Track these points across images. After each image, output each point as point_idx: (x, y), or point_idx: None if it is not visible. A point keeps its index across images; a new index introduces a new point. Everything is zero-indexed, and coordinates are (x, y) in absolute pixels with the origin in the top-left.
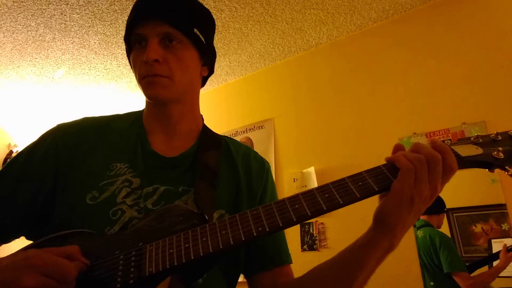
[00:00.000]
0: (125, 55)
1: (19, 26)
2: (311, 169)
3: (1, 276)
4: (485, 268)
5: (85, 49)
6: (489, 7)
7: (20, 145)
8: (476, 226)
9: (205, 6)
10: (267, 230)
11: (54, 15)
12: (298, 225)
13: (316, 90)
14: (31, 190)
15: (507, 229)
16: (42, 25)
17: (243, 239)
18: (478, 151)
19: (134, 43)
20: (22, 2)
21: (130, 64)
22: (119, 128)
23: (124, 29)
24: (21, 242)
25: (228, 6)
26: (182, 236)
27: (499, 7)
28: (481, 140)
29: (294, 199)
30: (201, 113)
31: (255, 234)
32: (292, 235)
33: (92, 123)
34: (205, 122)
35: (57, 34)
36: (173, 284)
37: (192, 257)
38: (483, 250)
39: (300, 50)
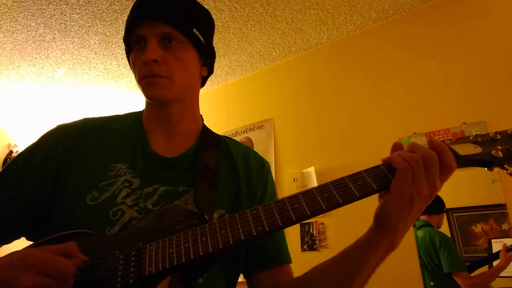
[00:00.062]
0: (125, 55)
1: (19, 26)
2: (311, 169)
3: None
4: (485, 268)
5: (85, 49)
6: (489, 7)
7: (20, 145)
8: (476, 226)
9: (205, 6)
10: (267, 229)
11: (54, 15)
12: (298, 225)
13: (316, 90)
14: (31, 191)
15: (507, 229)
16: (42, 25)
17: (242, 238)
18: (477, 150)
19: (134, 44)
20: (22, 2)
21: (130, 65)
22: (119, 128)
23: (124, 29)
24: (22, 242)
25: (228, 6)
26: (182, 236)
27: (499, 7)
28: (480, 139)
29: (293, 198)
30: (201, 113)
31: (254, 234)
32: (292, 235)
33: (92, 123)
34: (205, 122)
35: (57, 34)
36: (173, 284)
37: (192, 257)
38: (483, 250)
39: (300, 50)
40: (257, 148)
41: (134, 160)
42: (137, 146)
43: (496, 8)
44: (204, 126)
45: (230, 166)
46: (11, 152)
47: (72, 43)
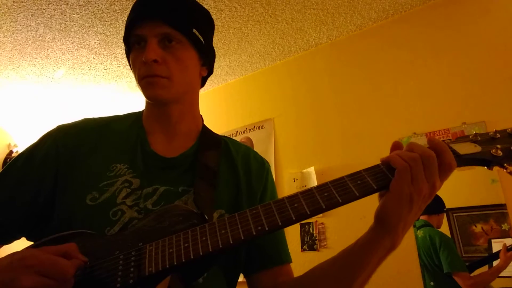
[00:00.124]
0: (125, 55)
1: (19, 26)
2: (311, 169)
3: None
4: (485, 268)
5: (85, 49)
6: (489, 7)
7: (20, 145)
8: (476, 226)
9: (205, 6)
10: (267, 229)
11: (54, 15)
12: (298, 225)
13: (316, 90)
14: (31, 191)
15: (507, 229)
16: (42, 25)
17: (242, 238)
18: (477, 149)
19: (133, 44)
20: (22, 2)
21: (130, 65)
22: (119, 129)
23: (124, 29)
24: (22, 243)
25: (228, 6)
26: (181, 236)
27: (499, 7)
28: (479, 138)
29: (293, 198)
30: (201, 113)
31: (254, 233)
32: (292, 235)
33: (92, 124)
34: (205, 122)
35: (57, 34)
36: (173, 284)
37: (192, 257)
38: (483, 250)
39: (300, 50)
40: (257, 148)
41: (134, 160)
42: (137, 146)
43: (496, 8)
44: (204, 126)
45: (230, 166)
46: (11, 152)
47: (72, 43)
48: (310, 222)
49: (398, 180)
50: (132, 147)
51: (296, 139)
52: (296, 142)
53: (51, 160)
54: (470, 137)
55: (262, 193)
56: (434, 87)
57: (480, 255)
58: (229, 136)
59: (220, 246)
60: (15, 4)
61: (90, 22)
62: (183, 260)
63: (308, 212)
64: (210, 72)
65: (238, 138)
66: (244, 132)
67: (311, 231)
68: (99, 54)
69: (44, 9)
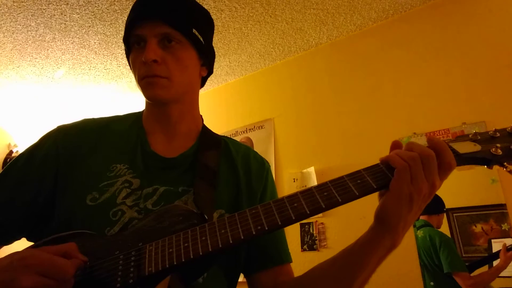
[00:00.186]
0: (125, 55)
1: (19, 26)
2: (311, 169)
3: None
4: (485, 268)
5: (85, 49)
6: (489, 7)
7: (20, 145)
8: (476, 226)
9: (205, 6)
10: (266, 228)
11: (54, 15)
12: (298, 225)
13: (316, 90)
14: (31, 191)
15: (507, 229)
16: (42, 25)
17: (242, 238)
18: (476, 148)
19: (133, 44)
20: (22, 2)
21: (130, 65)
22: (119, 129)
23: (124, 29)
24: (22, 243)
25: (228, 6)
26: (181, 236)
27: (499, 7)
28: (479, 137)
29: (293, 197)
30: (201, 113)
31: (254, 233)
32: (292, 235)
33: (92, 124)
34: (205, 122)
35: (57, 34)
36: (173, 284)
37: (192, 256)
38: (483, 250)
39: (300, 50)
40: (257, 148)
41: (134, 161)
42: (137, 147)
43: (496, 8)
44: (204, 126)
45: (230, 166)
46: (11, 152)
47: (72, 43)
48: (310, 222)
49: (398, 180)
50: (132, 147)
51: (296, 139)
52: (296, 142)
53: (51, 160)
54: (470, 136)
55: (262, 193)
56: (434, 87)
57: (480, 255)
58: (229, 136)
59: (220, 246)
60: (15, 4)
61: (90, 22)
62: (183, 260)
63: (308, 212)
64: (210, 72)
65: (238, 138)
66: (244, 132)
67: (311, 231)
68: (99, 54)
69: (44, 9)
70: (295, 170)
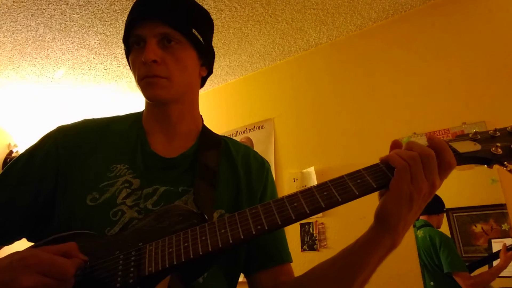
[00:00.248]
0: (125, 56)
1: (19, 26)
2: (311, 169)
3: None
4: (485, 268)
5: (85, 49)
6: (489, 7)
7: (20, 145)
8: (476, 226)
9: (205, 6)
10: (266, 228)
11: (54, 15)
12: (298, 225)
13: (316, 90)
14: (31, 191)
15: (507, 229)
16: (42, 25)
17: (242, 237)
18: (476, 147)
19: (133, 44)
20: (22, 2)
21: (129, 65)
22: (119, 129)
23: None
24: (23, 244)
25: (228, 6)
26: (181, 236)
27: (499, 7)
28: (479, 137)
29: (292, 197)
30: (201, 113)
31: (254, 233)
32: (292, 235)
33: (92, 124)
34: (205, 122)
35: (57, 34)
36: (173, 284)
37: (192, 256)
38: (483, 250)
39: (300, 50)
40: (257, 148)
41: (134, 161)
42: (137, 147)
43: (496, 8)
44: (204, 126)
45: (230, 166)
46: (11, 152)
47: (72, 43)
48: (310, 222)
49: (398, 179)
50: (132, 147)
51: (296, 139)
52: (296, 142)
53: (51, 160)
54: (470, 135)
55: (262, 193)
56: (434, 87)
57: (480, 255)
58: (229, 136)
59: (220, 245)
60: (15, 4)
61: (90, 22)
62: (183, 260)
63: (308, 211)
64: (210, 72)
65: (238, 138)
66: (244, 132)
67: (311, 231)
68: (99, 54)
69: (44, 9)
70: (295, 170)
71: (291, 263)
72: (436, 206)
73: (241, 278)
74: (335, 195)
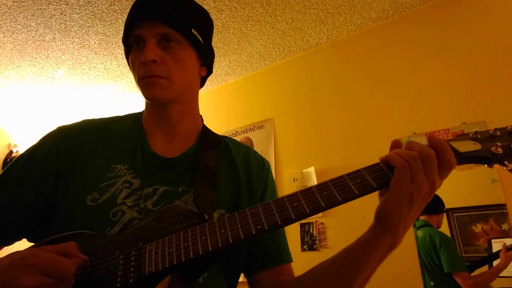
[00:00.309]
0: (125, 56)
1: (19, 26)
2: (311, 169)
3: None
4: (485, 268)
5: (85, 49)
6: (489, 7)
7: (20, 145)
8: (476, 226)
9: (205, 6)
10: (266, 228)
11: (54, 15)
12: (298, 225)
13: (316, 90)
14: (32, 192)
15: (507, 229)
16: (42, 25)
17: (242, 237)
18: (477, 146)
19: (132, 44)
20: (22, 2)
21: (129, 66)
22: (119, 129)
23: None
24: (23, 244)
25: (228, 6)
26: (181, 236)
27: (499, 7)
28: (479, 136)
29: (292, 197)
30: (201, 113)
31: (254, 232)
32: (292, 235)
33: (92, 125)
34: (205, 122)
35: (57, 34)
36: (173, 283)
37: (192, 256)
38: (483, 250)
39: (300, 50)
40: (257, 148)
41: (134, 161)
42: (137, 147)
43: (496, 8)
44: (204, 126)
45: (230, 166)
46: (11, 152)
47: (72, 43)
48: (310, 222)
49: (398, 179)
50: (132, 147)
51: (296, 139)
52: (296, 142)
53: (51, 161)
54: (470, 135)
55: (262, 193)
56: (434, 87)
57: (480, 255)
58: (229, 136)
59: (220, 245)
60: (15, 4)
61: (90, 22)
62: (183, 260)
63: (308, 211)
64: (210, 72)
65: (238, 138)
66: (244, 132)
67: (311, 231)
68: (99, 54)
69: (44, 9)
70: (295, 170)
71: (291, 263)
72: (436, 206)
73: (241, 278)
74: (335, 194)
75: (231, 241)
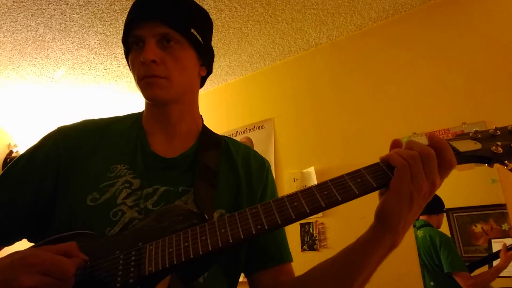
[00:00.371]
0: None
1: (19, 26)
2: (311, 169)
3: (0, 276)
4: (485, 268)
5: (85, 49)
6: (489, 7)
7: (20, 145)
8: (476, 226)
9: (205, 6)
10: (266, 228)
11: (54, 15)
12: (298, 225)
13: (316, 90)
14: (32, 192)
15: (507, 229)
16: (42, 25)
17: (242, 237)
18: (477, 146)
19: (132, 45)
20: (22, 2)
21: (129, 66)
22: (119, 129)
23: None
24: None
25: (228, 6)
26: (181, 235)
27: (499, 7)
28: (479, 136)
29: (292, 197)
30: (201, 113)
31: (254, 232)
32: (292, 235)
33: (92, 125)
34: (205, 122)
35: (57, 34)
36: (173, 283)
37: (192, 256)
38: (483, 250)
39: (300, 50)
40: (257, 148)
41: (134, 161)
42: (137, 147)
43: (496, 8)
44: (204, 126)
45: (230, 166)
46: (11, 152)
47: (72, 43)
48: (310, 222)
49: (398, 179)
50: (132, 148)
51: (296, 139)
52: (296, 142)
53: (51, 161)
54: (470, 134)
55: (262, 193)
56: (434, 87)
57: (480, 255)
58: (229, 136)
59: (220, 245)
60: (15, 4)
61: (90, 22)
62: (183, 260)
63: (308, 211)
64: (209, 72)
65: (238, 138)
66: (244, 132)
67: (311, 231)
68: (99, 54)
69: (44, 9)
70: (295, 170)
71: (291, 263)
72: (436, 206)
73: (242, 278)
74: (335, 194)
75: (231, 241)
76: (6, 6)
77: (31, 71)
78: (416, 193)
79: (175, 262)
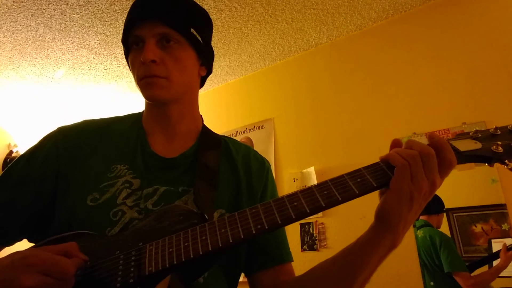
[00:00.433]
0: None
1: (19, 26)
2: (311, 169)
3: (0, 276)
4: (485, 268)
5: (85, 49)
6: (489, 7)
7: (20, 145)
8: (476, 226)
9: (205, 6)
10: (266, 227)
11: (54, 15)
12: (298, 225)
13: (316, 90)
14: (32, 192)
15: (507, 229)
16: (42, 25)
17: (242, 237)
18: (477, 145)
19: (132, 45)
20: (22, 2)
21: (129, 66)
22: (119, 130)
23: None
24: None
25: (228, 6)
26: (181, 235)
27: (499, 7)
28: (480, 135)
29: (292, 196)
30: (201, 113)
31: (254, 232)
32: (292, 235)
33: (92, 125)
34: (205, 122)
35: (57, 34)
36: (173, 283)
37: (192, 256)
38: (483, 250)
39: (300, 50)
40: (257, 148)
41: (134, 161)
42: (137, 147)
43: (496, 8)
44: (204, 126)
45: (230, 166)
46: (11, 152)
47: (72, 43)
48: (310, 222)
49: (398, 178)
50: (132, 148)
51: (296, 139)
52: (296, 142)
53: (51, 161)
54: (471, 133)
55: (262, 193)
56: (434, 87)
57: (480, 255)
58: (229, 136)
59: (220, 245)
60: (15, 4)
61: (90, 22)
62: (183, 260)
63: (308, 211)
64: (209, 72)
65: (238, 138)
66: (244, 132)
67: (311, 231)
68: (99, 54)
69: (44, 9)
70: (295, 170)
71: (291, 263)
72: (436, 206)
73: (242, 278)
74: (335, 194)
75: (231, 241)
76: (6, 6)
77: (31, 71)
78: (416, 192)
79: (175, 262)
